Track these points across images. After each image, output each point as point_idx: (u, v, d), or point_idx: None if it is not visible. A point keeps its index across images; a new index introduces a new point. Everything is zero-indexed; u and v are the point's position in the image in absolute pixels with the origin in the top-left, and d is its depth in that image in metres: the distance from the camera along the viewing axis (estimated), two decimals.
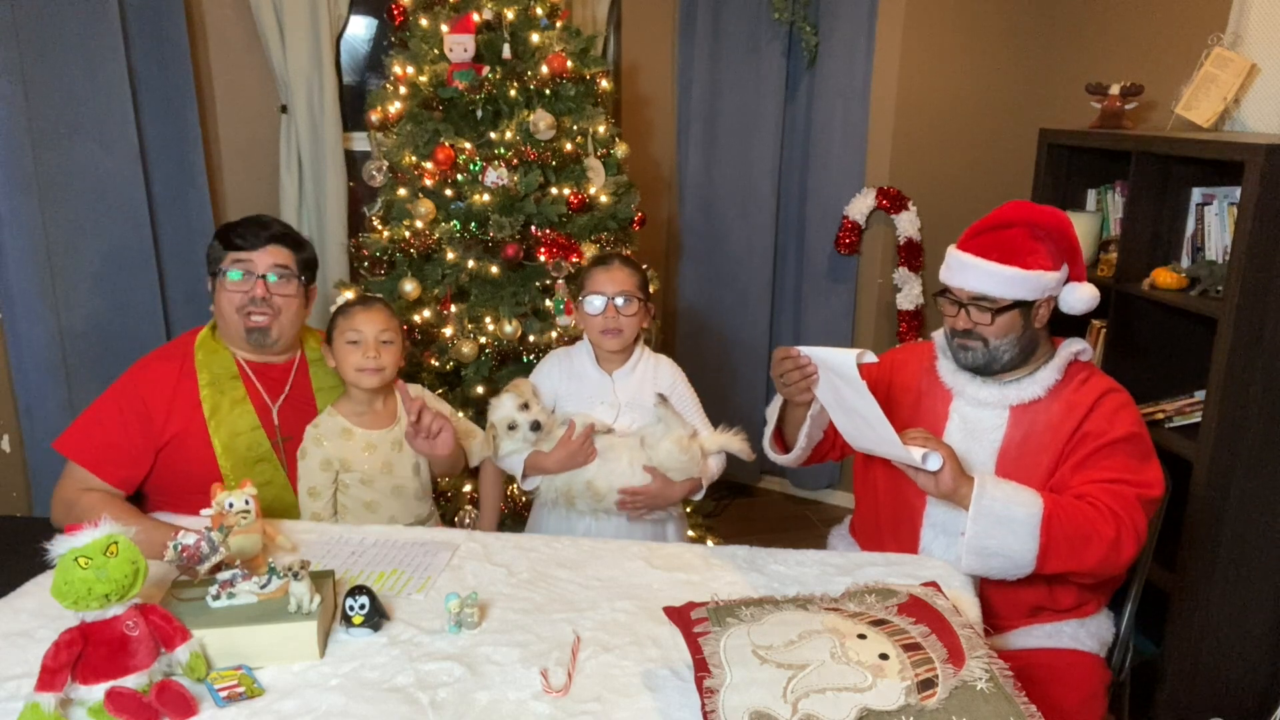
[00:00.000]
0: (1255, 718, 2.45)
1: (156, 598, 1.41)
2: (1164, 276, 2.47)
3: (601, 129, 2.83)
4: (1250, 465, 2.29)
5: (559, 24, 2.80)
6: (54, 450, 1.98)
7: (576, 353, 2.23)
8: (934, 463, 1.66)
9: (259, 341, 2.06)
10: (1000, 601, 1.82)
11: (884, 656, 1.22)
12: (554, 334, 2.75)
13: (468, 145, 2.73)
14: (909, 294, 3.60)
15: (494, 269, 2.74)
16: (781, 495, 4.14)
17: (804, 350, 1.74)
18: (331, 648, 1.44)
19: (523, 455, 2.10)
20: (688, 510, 2.55)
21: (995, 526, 1.66)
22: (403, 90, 2.78)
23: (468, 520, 2.68)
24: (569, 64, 2.73)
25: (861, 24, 3.48)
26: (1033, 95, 3.46)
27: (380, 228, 2.84)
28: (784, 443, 2.03)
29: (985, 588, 1.76)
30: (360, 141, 3.47)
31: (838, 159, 3.63)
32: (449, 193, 2.75)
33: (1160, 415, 2.51)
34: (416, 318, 2.74)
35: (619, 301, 2.09)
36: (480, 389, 2.72)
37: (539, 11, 2.78)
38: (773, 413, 2.01)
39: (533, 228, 2.75)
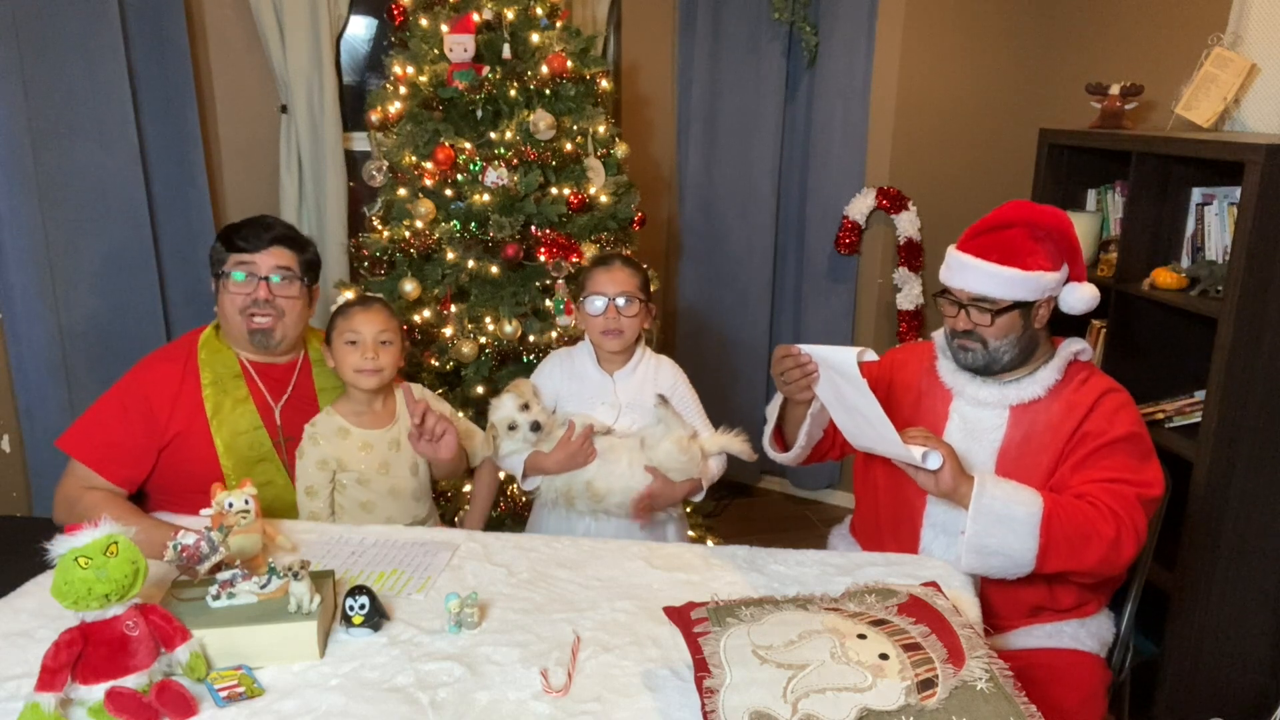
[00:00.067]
0: (1255, 718, 2.45)
1: (156, 598, 1.41)
2: (1164, 276, 2.47)
3: (601, 129, 2.83)
4: (1250, 465, 2.29)
5: (559, 24, 2.80)
6: (54, 450, 1.98)
7: (577, 353, 2.23)
8: (934, 461, 1.66)
9: (262, 343, 2.06)
10: (1000, 601, 1.82)
11: (884, 656, 1.22)
12: (554, 334, 2.75)
13: (468, 145, 2.72)
14: (909, 294, 3.60)
15: (494, 269, 2.74)
16: (781, 495, 4.14)
17: (805, 348, 1.74)
18: (331, 648, 1.44)
19: (523, 455, 2.10)
20: (688, 510, 2.55)
21: (995, 525, 1.67)
22: (403, 90, 2.78)
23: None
24: (569, 64, 2.73)
25: (861, 24, 3.48)
26: (1033, 95, 3.46)
27: (380, 228, 2.83)
28: (784, 441, 2.03)
29: (985, 588, 1.76)
30: (360, 141, 3.47)
31: (838, 159, 3.63)
32: (449, 193, 2.75)
33: (1160, 415, 2.51)
34: (416, 318, 2.74)
35: (620, 302, 2.09)
36: (480, 389, 2.72)
37: (539, 11, 2.78)
38: (773, 411, 2.01)
39: (533, 228, 2.75)
